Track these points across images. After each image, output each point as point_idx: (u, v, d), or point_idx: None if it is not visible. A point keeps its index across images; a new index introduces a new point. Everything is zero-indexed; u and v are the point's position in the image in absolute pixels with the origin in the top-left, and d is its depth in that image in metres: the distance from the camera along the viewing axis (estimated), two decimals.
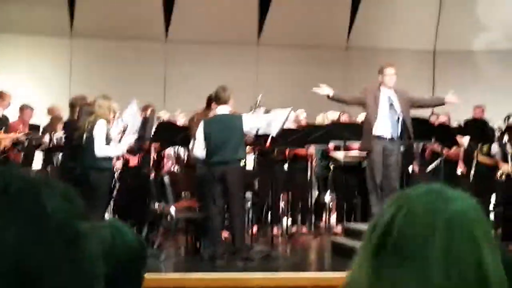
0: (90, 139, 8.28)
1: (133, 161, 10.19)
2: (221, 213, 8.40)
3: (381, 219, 1.20)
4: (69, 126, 9.38)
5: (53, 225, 0.96)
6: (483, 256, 1.15)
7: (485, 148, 10.43)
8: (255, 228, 10.29)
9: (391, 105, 8.93)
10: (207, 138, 8.32)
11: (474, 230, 1.17)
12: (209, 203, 8.49)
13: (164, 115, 12.06)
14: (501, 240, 9.30)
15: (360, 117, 11.54)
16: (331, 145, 11.06)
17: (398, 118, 8.90)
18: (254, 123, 8.51)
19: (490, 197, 10.63)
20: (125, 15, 15.39)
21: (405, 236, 1.16)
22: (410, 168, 10.70)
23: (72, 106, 9.52)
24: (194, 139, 9.08)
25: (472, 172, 10.35)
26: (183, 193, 10.40)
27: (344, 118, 11.64)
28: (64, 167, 9.22)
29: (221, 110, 8.45)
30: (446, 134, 9.72)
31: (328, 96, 9.12)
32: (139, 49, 15.51)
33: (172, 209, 8.77)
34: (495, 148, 10.36)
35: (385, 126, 8.97)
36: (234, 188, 8.25)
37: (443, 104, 9.60)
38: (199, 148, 8.40)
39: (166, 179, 8.84)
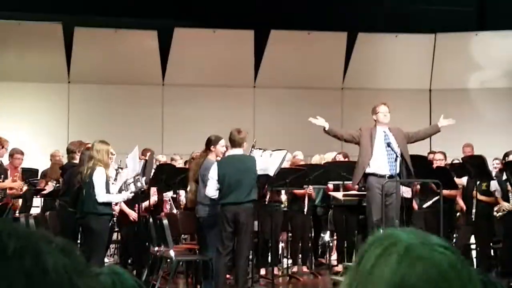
0: (90, 185, 8.29)
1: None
2: (228, 255, 8.38)
3: (363, 261, 1.22)
4: (67, 171, 9.39)
5: (54, 282, 0.95)
6: None
7: (483, 185, 10.45)
8: (262, 270, 10.24)
9: (388, 144, 8.95)
10: (220, 178, 8.35)
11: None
12: (213, 245, 8.49)
13: (161, 159, 12.09)
14: (501, 276, 9.27)
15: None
16: (330, 185, 11.07)
17: (396, 157, 8.92)
18: (264, 164, 8.61)
19: (490, 234, 10.62)
20: (122, 60, 15.53)
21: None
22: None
23: (69, 152, 9.54)
24: (194, 181, 9.11)
25: (474, 210, 10.36)
26: (182, 235, 10.39)
27: (340, 158, 11.67)
28: (63, 212, 9.19)
29: (235, 151, 8.52)
30: (445, 177, 9.71)
31: (324, 129, 9.16)
32: (137, 93, 15.62)
33: (172, 252, 8.75)
34: (494, 185, 10.38)
35: (382, 165, 8.99)
36: (245, 229, 8.26)
37: (439, 131, 9.65)
38: (212, 188, 8.42)
39: (165, 222, 8.83)
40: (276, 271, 10.13)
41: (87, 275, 1.03)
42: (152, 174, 9.92)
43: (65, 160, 10.27)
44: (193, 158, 9.64)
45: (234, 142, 8.54)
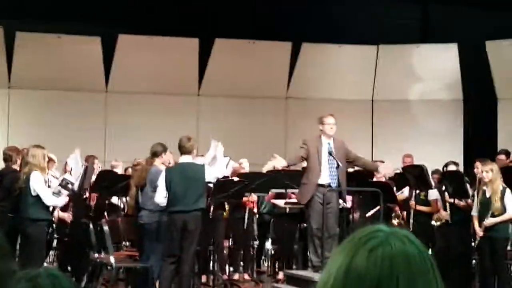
0: (26, 190, 8.18)
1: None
2: (175, 263, 8.32)
3: (331, 268, 1.25)
4: (5, 177, 9.15)
5: None
6: None
7: (422, 195, 10.62)
8: (203, 278, 10.23)
9: (330, 153, 9.05)
10: (168, 186, 8.31)
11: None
12: (155, 252, 8.46)
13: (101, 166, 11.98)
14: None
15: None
16: (271, 193, 11.11)
17: (338, 166, 9.02)
18: (212, 173, 8.60)
19: (429, 243, 10.79)
20: (65, 66, 15.35)
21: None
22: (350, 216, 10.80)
23: (5, 157, 9.27)
24: (135, 187, 9.06)
25: (411, 220, 10.50)
26: (123, 242, 10.30)
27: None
28: (3, 218, 8.96)
29: (184, 159, 8.49)
30: (388, 193, 9.85)
31: (287, 166, 9.28)
32: (79, 99, 15.44)
33: (112, 259, 8.66)
34: (433, 194, 10.55)
35: (324, 174, 9.09)
36: (192, 237, 8.23)
37: (376, 171, 9.78)
38: (160, 196, 8.39)
39: (106, 228, 8.74)
40: (218, 279, 10.12)
41: (17, 279, 1.01)
42: (93, 180, 9.84)
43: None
44: (135, 165, 9.58)
45: (183, 149, 8.52)
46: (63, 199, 8.56)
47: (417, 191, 10.61)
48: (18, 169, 8.94)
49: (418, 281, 1.22)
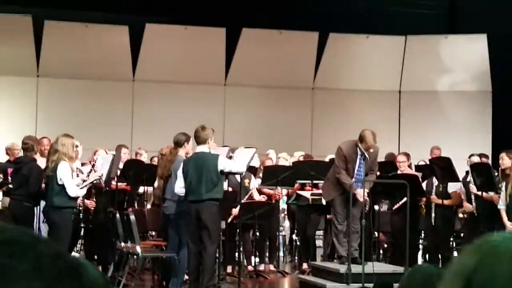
0: (53, 178, 8.23)
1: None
2: (195, 254, 8.35)
3: (463, 266, 1.23)
4: (26, 165, 9.14)
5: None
6: None
7: (440, 187, 10.48)
8: (229, 268, 10.27)
9: (365, 158, 8.99)
10: (185, 176, 8.38)
11: None
12: (179, 241, 8.51)
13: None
14: None
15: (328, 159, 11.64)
16: (297, 184, 11.09)
17: (366, 174, 9.04)
18: (229, 162, 8.62)
19: (451, 236, 10.75)
20: (93, 54, 15.43)
21: (489, 280, 1.18)
22: (376, 207, 10.75)
23: (25, 145, 9.25)
24: (160, 178, 9.11)
25: (433, 214, 10.42)
26: (149, 232, 10.35)
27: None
28: (19, 206, 8.96)
29: (200, 149, 8.52)
30: (415, 185, 9.77)
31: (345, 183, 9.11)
32: (107, 88, 15.54)
33: (138, 248, 8.71)
34: (452, 186, 10.42)
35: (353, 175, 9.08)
36: (209, 226, 8.25)
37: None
38: (178, 186, 8.47)
39: (133, 217, 8.79)
40: (243, 269, 10.15)
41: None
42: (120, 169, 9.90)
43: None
44: (162, 154, 9.60)
45: (198, 139, 8.56)
46: (85, 191, 8.64)
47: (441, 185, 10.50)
48: (36, 158, 9.00)
49: None
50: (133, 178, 10.22)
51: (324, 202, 9.92)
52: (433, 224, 10.38)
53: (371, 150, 9.01)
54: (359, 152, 9.02)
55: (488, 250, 1.23)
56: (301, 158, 11.78)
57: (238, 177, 9.63)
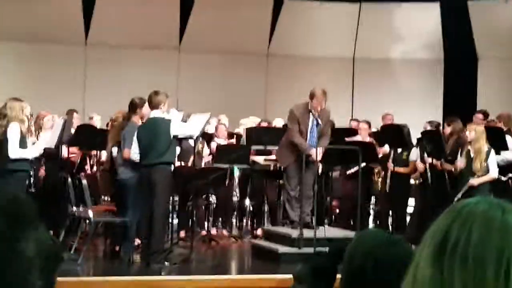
0: (3, 143, 8.12)
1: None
2: (146, 218, 8.35)
3: (439, 227, 1.30)
4: None
5: None
6: None
7: (404, 154, 10.60)
8: (182, 233, 10.30)
9: (316, 125, 9.07)
10: (139, 141, 8.37)
11: None
12: (133, 207, 8.50)
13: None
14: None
15: (275, 122, 11.69)
16: (252, 150, 11.12)
17: (318, 124, 9.06)
18: (181, 127, 8.62)
19: (406, 202, 10.89)
20: (44, 18, 15.15)
21: (463, 241, 1.26)
22: (330, 173, 10.85)
23: None
24: (112, 143, 9.05)
25: (388, 181, 10.54)
26: (102, 197, 10.29)
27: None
28: None
29: (153, 114, 8.48)
30: (370, 152, 9.86)
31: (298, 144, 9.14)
32: (58, 52, 15.29)
33: (90, 213, 8.67)
34: (413, 154, 10.53)
35: (307, 139, 9.13)
36: (159, 191, 8.25)
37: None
38: (133, 152, 8.45)
39: (84, 182, 8.72)
40: (196, 234, 10.19)
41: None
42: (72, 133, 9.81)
43: None
44: (113, 120, 9.53)
45: (151, 104, 8.52)
46: (32, 153, 8.43)
47: (399, 151, 10.60)
48: None
49: (491, 240, 1.25)
50: (85, 143, 10.14)
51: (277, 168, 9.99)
52: (387, 190, 10.49)
53: (322, 107, 9.08)
54: (311, 116, 9.10)
55: (462, 211, 1.30)
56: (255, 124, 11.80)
57: (191, 142, 9.64)
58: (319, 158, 9.08)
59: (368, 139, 10.86)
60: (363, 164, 9.84)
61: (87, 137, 10.08)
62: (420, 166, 10.23)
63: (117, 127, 9.07)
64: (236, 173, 11.48)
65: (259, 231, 10.68)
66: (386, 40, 16.04)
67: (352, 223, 10.66)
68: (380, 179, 10.81)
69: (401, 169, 10.49)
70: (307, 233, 8.62)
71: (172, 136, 8.38)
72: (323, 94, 9.12)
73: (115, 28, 15.49)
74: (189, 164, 10.41)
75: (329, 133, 9.46)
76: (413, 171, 10.55)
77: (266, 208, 11.34)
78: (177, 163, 9.66)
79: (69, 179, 9.10)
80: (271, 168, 10.92)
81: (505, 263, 1.24)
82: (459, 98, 15.32)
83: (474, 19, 15.53)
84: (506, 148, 10.05)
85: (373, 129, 11.64)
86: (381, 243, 2.26)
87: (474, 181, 9.01)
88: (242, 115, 12.67)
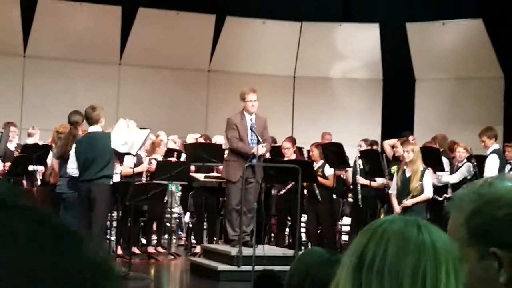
0: None
1: None
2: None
3: (356, 246, 1.35)
4: None
5: None
6: (442, 277, 1.31)
7: (319, 171, 10.71)
8: (119, 249, 10.18)
9: (251, 129, 9.11)
10: (77, 156, 8.27)
11: (442, 257, 1.32)
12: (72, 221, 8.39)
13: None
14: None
15: (216, 139, 11.68)
16: (192, 167, 11.08)
17: (258, 141, 9.07)
18: (121, 144, 8.56)
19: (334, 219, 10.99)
20: None
21: (380, 257, 1.31)
22: (273, 191, 10.91)
23: None
24: (58, 157, 8.92)
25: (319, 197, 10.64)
26: None
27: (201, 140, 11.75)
28: None
29: (92, 129, 8.41)
30: (308, 170, 9.93)
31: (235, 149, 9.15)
32: None
33: None
34: (329, 170, 10.66)
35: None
36: (98, 206, 8.17)
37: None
38: (71, 166, 8.35)
39: None
40: (135, 250, 10.09)
41: None
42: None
43: None
44: (58, 132, 9.33)
45: (90, 120, 8.44)
46: None
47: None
48: None
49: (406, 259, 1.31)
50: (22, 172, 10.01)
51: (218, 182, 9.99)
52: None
53: (254, 105, 9.13)
54: (247, 119, 9.16)
55: (378, 230, 1.36)
56: (195, 140, 11.78)
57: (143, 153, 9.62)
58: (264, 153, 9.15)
59: (292, 157, 10.82)
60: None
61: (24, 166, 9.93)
62: (362, 180, 10.43)
63: (65, 140, 8.90)
64: (173, 188, 11.43)
65: (198, 249, 10.64)
66: (326, 59, 16.23)
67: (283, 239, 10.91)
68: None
69: (324, 181, 10.59)
70: (246, 251, 8.62)
71: (111, 152, 8.33)
72: (252, 91, 9.25)
73: (55, 40, 15.30)
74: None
75: (269, 140, 9.54)
76: (332, 185, 10.63)
77: (205, 225, 11.30)
78: (117, 178, 9.57)
79: None
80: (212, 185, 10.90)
81: (420, 278, 1.30)
82: (397, 117, 15.58)
83: (412, 40, 15.85)
84: (442, 169, 10.27)
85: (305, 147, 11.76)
86: (320, 262, 2.30)
87: (408, 202, 9.11)
88: (182, 130, 12.65)
